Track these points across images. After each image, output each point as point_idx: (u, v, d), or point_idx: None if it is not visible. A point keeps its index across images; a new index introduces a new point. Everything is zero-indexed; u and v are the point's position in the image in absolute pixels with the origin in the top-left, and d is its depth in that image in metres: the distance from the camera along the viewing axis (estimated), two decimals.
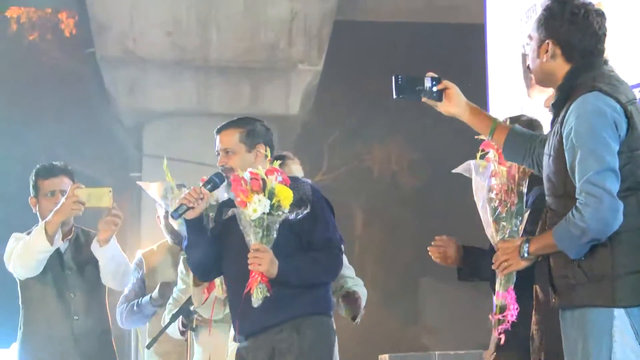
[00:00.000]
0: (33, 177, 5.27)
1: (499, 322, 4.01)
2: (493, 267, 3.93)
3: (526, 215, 4.00)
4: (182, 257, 5.65)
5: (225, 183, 4.58)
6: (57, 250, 5.18)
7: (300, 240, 4.47)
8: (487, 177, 4.01)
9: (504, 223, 3.96)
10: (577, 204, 3.47)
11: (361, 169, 16.55)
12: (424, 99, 3.72)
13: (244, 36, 14.00)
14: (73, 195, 4.94)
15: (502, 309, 4.01)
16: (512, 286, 4.00)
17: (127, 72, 14.01)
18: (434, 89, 3.69)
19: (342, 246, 4.62)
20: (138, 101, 14.12)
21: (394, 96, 3.68)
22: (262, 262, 4.29)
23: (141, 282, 5.83)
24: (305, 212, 4.37)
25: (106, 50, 13.96)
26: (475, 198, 4.04)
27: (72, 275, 5.22)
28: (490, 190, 3.99)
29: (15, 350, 5.28)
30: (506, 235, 3.95)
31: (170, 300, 5.41)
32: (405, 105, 15.99)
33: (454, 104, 3.76)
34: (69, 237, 5.27)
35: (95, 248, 5.09)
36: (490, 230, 4.01)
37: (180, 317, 5.10)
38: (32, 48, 15.28)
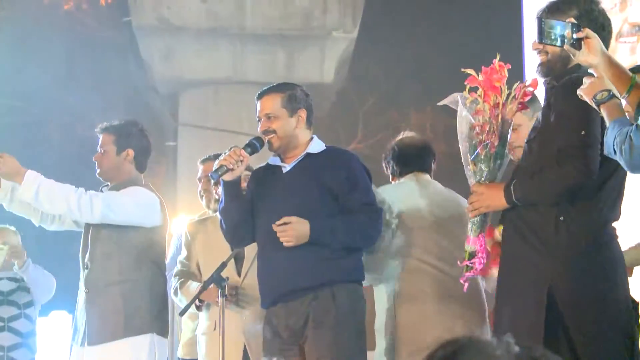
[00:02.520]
0: None
1: (467, 268, 3.88)
2: (467, 209, 3.85)
3: (506, 159, 3.85)
4: (187, 224, 5.65)
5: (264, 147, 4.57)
6: None
7: (338, 205, 4.44)
8: (471, 113, 3.83)
9: (481, 165, 3.82)
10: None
11: (396, 136, 16.51)
12: (565, 47, 3.65)
13: (278, 4, 14.00)
14: None
15: (472, 255, 3.87)
16: (483, 232, 3.87)
17: (162, 40, 14.07)
18: (574, 35, 3.62)
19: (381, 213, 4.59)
20: (173, 69, 14.17)
21: (537, 40, 3.61)
22: (288, 236, 4.32)
23: None
24: (344, 176, 4.39)
25: (141, 19, 14.01)
26: (458, 132, 3.88)
27: (92, 226, 5.23)
28: (472, 128, 3.83)
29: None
30: (482, 179, 3.83)
31: (176, 270, 5.39)
32: (440, 70, 15.96)
33: (593, 54, 3.67)
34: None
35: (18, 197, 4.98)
36: (467, 169, 3.88)
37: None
38: (68, 17, 15.35)
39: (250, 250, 4.91)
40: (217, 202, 5.11)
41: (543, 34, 3.52)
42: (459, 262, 3.94)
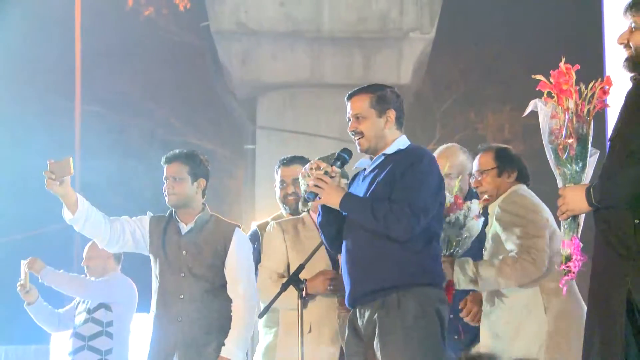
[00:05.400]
0: None
1: (564, 272, 3.85)
2: (557, 213, 3.84)
3: (592, 159, 3.82)
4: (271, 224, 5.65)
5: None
6: (178, 231, 5.39)
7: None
8: (549, 118, 3.84)
9: (564, 169, 3.81)
10: None
11: (474, 137, 16.41)
12: None
13: (355, 6, 14.02)
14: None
15: (568, 258, 3.84)
16: (577, 235, 3.85)
17: (241, 44, 14.18)
18: None
19: (421, 216, 4.39)
20: (251, 73, 14.27)
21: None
22: (324, 188, 4.44)
23: (257, 254, 5.83)
24: (402, 172, 4.42)
25: (220, 23, 14.14)
26: (543, 138, 3.89)
27: (187, 256, 5.36)
28: (551, 132, 3.84)
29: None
30: (567, 182, 3.81)
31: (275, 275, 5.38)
32: (518, 70, 15.84)
33: None
34: (193, 220, 5.40)
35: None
36: (556, 173, 3.88)
37: None
38: (147, 23, 15.57)
39: None
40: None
41: None
42: (556, 267, 3.93)
